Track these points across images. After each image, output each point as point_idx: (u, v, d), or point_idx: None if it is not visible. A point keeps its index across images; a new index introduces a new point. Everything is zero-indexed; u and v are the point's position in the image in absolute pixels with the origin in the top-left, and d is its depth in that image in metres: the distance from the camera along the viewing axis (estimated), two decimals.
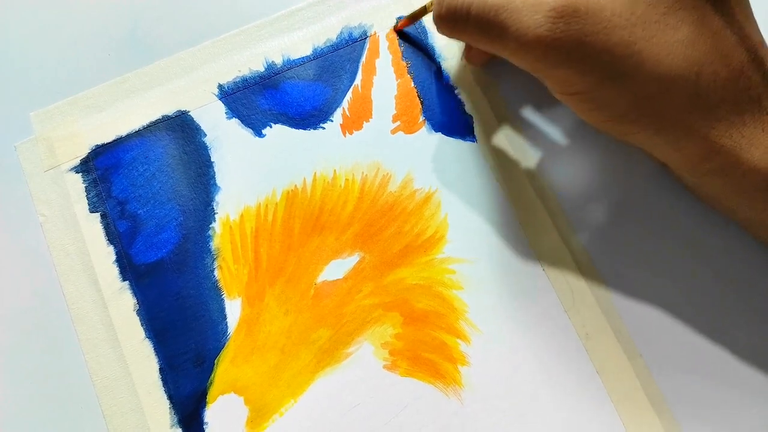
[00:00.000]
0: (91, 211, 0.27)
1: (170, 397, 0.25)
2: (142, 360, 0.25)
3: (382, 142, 0.28)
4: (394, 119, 0.28)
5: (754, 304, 0.26)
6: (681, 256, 0.26)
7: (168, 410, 0.25)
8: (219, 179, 0.28)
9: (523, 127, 0.28)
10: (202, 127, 0.28)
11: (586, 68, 0.20)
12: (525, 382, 0.25)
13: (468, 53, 0.28)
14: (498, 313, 0.26)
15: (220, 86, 0.29)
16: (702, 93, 0.20)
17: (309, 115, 0.28)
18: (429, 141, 0.28)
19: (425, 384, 0.25)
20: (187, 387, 0.25)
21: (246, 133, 0.28)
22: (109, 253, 0.27)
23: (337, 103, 0.29)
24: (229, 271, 0.26)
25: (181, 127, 0.28)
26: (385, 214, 0.27)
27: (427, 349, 0.26)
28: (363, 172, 0.28)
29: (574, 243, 0.27)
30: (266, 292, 0.26)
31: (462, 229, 0.27)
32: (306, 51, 0.29)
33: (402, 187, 0.27)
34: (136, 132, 0.28)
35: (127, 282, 0.26)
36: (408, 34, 0.29)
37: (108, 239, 0.27)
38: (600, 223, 0.27)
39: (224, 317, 0.26)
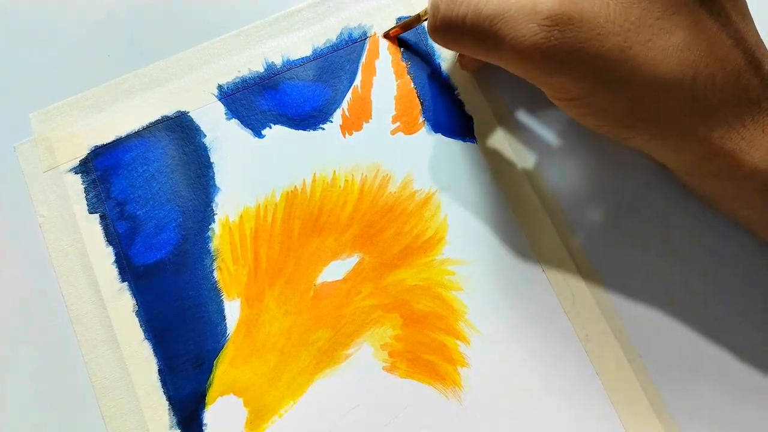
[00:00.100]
0: (91, 212, 0.27)
1: (169, 399, 0.25)
2: (142, 361, 0.25)
3: (382, 143, 0.28)
4: (394, 120, 0.28)
5: (754, 304, 0.26)
6: (680, 257, 0.26)
7: (167, 411, 0.25)
8: (218, 180, 0.28)
9: (523, 128, 0.28)
10: (201, 128, 0.28)
11: (581, 75, 0.20)
12: (524, 384, 0.25)
13: (461, 59, 0.28)
14: (497, 315, 0.26)
15: (220, 87, 0.29)
16: (699, 96, 0.20)
17: (308, 115, 0.28)
18: (429, 142, 0.28)
19: (425, 385, 0.25)
20: (187, 388, 0.25)
21: (245, 133, 0.28)
22: (108, 254, 0.27)
23: (336, 103, 0.28)
24: (228, 272, 0.26)
25: (180, 128, 0.28)
26: (385, 215, 0.27)
27: (427, 350, 0.26)
28: (362, 173, 0.28)
29: (573, 244, 0.27)
30: (266, 293, 0.26)
31: (462, 231, 0.27)
32: (306, 52, 0.29)
33: (401, 188, 0.27)
34: (135, 133, 0.28)
35: (126, 283, 0.26)
36: (404, 40, 0.29)
37: (107, 240, 0.27)
38: (599, 224, 0.27)
39: (223, 318, 0.26)
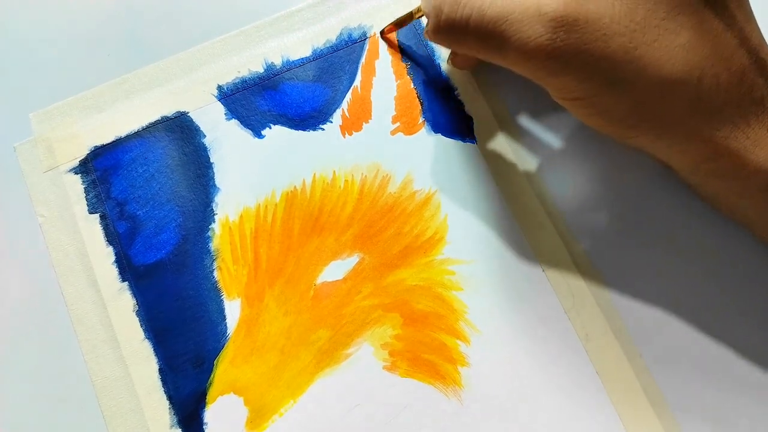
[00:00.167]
0: (91, 212, 0.27)
1: (170, 398, 0.25)
2: (142, 361, 0.25)
3: (382, 143, 0.28)
4: (394, 120, 0.28)
5: (754, 304, 0.26)
6: (681, 257, 0.26)
7: (168, 411, 0.25)
8: (218, 180, 0.28)
9: (522, 128, 0.28)
10: (201, 128, 0.28)
11: (586, 75, 0.20)
12: (525, 383, 0.25)
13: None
14: (497, 314, 0.26)
15: (220, 87, 0.29)
16: (704, 97, 0.20)
17: (308, 116, 0.28)
18: (429, 142, 0.28)
19: (425, 385, 0.25)
20: (187, 387, 0.25)
21: (245, 134, 0.28)
22: (108, 253, 0.27)
23: (336, 104, 0.29)
24: (228, 271, 0.26)
25: (180, 128, 0.28)
26: (385, 215, 0.27)
27: (427, 350, 0.26)
28: (362, 173, 0.28)
29: (573, 244, 0.27)
30: (266, 293, 0.26)
31: (462, 230, 0.27)
32: (305, 52, 0.29)
33: (401, 188, 0.27)
34: (135, 133, 0.28)
35: (126, 283, 0.26)
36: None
37: (107, 240, 0.27)
38: (599, 223, 0.27)
39: (224, 318, 0.26)
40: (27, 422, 0.25)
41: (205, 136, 0.28)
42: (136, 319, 0.26)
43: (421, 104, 0.28)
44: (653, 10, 0.20)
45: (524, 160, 0.28)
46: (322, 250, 0.27)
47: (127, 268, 0.26)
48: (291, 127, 0.28)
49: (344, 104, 0.28)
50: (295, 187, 0.27)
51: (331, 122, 0.28)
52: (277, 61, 0.29)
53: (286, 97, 0.29)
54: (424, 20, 0.29)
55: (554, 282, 0.26)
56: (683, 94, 0.20)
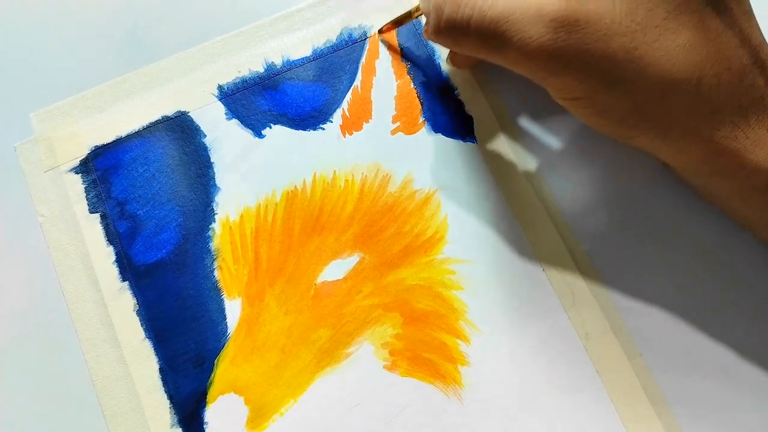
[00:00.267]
0: (91, 212, 0.27)
1: (170, 397, 0.25)
2: (142, 360, 0.25)
3: (382, 143, 0.28)
4: (394, 120, 0.28)
5: (754, 303, 0.26)
6: (681, 256, 0.26)
7: (168, 410, 0.25)
8: (218, 180, 0.28)
9: (523, 128, 0.28)
10: (201, 128, 0.28)
11: (586, 75, 0.20)
12: (525, 382, 0.25)
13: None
14: (498, 314, 0.26)
15: (220, 87, 0.29)
16: (704, 96, 0.20)
17: (309, 116, 0.28)
18: (429, 142, 0.28)
19: (425, 384, 0.25)
20: (187, 387, 0.25)
21: (246, 133, 0.28)
22: (108, 253, 0.27)
23: (336, 103, 0.29)
24: (228, 271, 0.26)
25: (180, 128, 0.28)
26: (385, 214, 0.27)
27: (427, 349, 0.26)
28: (363, 173, 0.28)
29: (573, 243, 0.27)
30: (266, 293, 0.26)
31: (462, 230, 0.27)
32: (306, 52, 0.29)
33: (402, 187, 0.27)
34: (135, 132, 0.28)
35: (127, 282, 0.26)
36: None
37: (108, 240, 0.27)
38: (599, 223, 0.27)
39: (224, 317, 0.26)
40: (27, 421, 0.25)
41: (205, 135, 0.28)
42: (137, 318, 0.26)
43: (422, 104, 0.29)
44: (654, 11, 0.20)
45: (524, 159, 0.28)
46: (323, 250, 0.27)
47: (127, 268, 0.26)
48: (291, 126, 0.28)
49: (344, 104, 0.29)
50: (295, 186, 0.27)
51: (332, 122, 0.28)
52: (278, 61, 0.29)
53: (286, 97, 0.29)
54: (423, 19, 0.29)
55: (554, 281, 0.26)
56: (683, 93, 0.20)
